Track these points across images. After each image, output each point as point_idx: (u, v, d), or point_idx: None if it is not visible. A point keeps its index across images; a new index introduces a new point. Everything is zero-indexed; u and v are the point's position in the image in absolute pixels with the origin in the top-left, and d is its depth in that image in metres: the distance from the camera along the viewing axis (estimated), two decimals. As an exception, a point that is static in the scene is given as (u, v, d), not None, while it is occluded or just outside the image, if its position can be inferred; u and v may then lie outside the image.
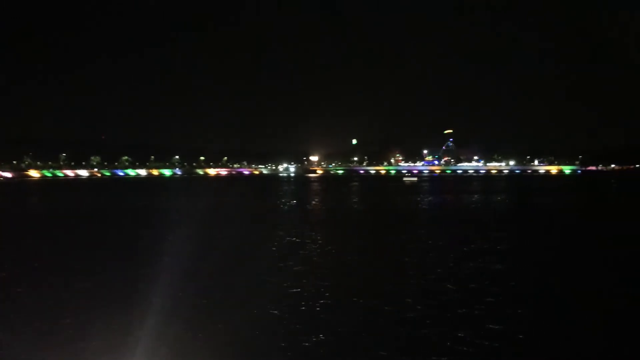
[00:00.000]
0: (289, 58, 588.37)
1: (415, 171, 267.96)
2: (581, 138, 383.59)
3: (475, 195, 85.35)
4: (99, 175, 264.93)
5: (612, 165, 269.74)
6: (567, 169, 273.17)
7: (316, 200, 76.92)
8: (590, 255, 27.30)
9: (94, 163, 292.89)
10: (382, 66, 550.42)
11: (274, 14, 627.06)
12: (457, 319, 15.60)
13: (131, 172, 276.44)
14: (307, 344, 13.63)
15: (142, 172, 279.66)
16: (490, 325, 14.92)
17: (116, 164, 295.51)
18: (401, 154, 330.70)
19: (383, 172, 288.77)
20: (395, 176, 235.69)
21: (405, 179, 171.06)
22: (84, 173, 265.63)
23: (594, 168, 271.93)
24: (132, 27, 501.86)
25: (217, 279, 20.73)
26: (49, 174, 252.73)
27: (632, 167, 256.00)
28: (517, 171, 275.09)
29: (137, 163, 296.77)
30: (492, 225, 40.46)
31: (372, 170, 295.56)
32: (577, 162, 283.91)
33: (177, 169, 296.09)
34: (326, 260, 25.63)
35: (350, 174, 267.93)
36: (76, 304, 17.03)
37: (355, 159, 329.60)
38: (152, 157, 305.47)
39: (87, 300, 17.48)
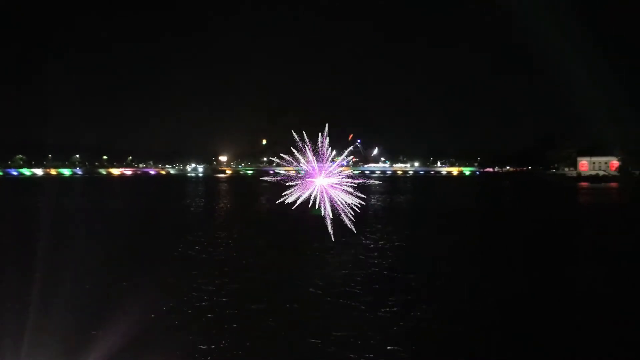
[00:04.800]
0: (198, 55, 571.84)
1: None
2: (480, 141, 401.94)
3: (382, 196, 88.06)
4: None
5: (507, 167, 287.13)
6: (467, 170, 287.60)
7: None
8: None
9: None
10: (287, 67, 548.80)
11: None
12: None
13: (26, 172, 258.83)
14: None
15: (39, 171, 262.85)
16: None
17: (9, 162, 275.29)
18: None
19: (293, 172, 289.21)
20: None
21: None
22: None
23: (491, 170, 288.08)
24: (23, 17, 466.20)
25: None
26: None
27: (524, 168, 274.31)
28: (421, 172, 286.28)
29: (33, 162, 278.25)
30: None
31: (282, 171, 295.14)
32: (475, 164, 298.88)
33: (78, 168, 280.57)
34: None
35: (261, 175, 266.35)
36: None
37: (265, 159, 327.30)
38: (50, 155, 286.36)
39: None
